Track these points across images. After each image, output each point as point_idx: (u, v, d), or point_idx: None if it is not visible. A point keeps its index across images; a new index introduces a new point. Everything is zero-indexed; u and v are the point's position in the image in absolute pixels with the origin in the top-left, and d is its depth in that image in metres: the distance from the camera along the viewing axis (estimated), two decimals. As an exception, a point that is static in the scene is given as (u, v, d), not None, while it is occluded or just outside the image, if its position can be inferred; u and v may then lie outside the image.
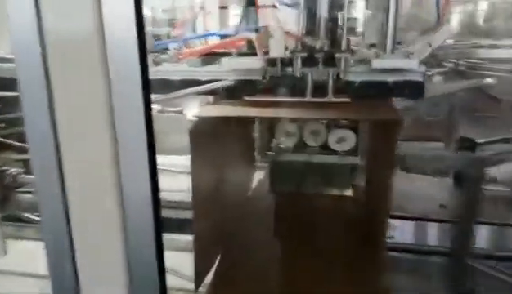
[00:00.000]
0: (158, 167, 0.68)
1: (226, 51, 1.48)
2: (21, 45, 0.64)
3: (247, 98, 1.43)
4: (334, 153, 1.79)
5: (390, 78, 1.35)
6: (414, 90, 1.35)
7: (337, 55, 1.32)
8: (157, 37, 1.73)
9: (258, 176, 2.03)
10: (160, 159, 0.69)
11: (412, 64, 1.29)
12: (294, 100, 1.38)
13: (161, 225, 0.69)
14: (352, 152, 1.79)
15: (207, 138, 1.32)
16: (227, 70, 1.39)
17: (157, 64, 1.48)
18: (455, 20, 2.60)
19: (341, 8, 1.45)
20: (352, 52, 1.38)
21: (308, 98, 1.35)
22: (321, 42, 1.36)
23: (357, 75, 1.36)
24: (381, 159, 1.50)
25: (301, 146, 1.81)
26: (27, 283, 1.79)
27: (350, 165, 1.83)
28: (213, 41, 1.64)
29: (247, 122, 1.84)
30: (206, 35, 1.74)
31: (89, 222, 0.71)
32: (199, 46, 1.65)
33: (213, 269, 1.40)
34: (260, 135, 1.89)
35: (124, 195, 0.68)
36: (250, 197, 1.93)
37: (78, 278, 0.72)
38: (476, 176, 2.03)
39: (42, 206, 0.71)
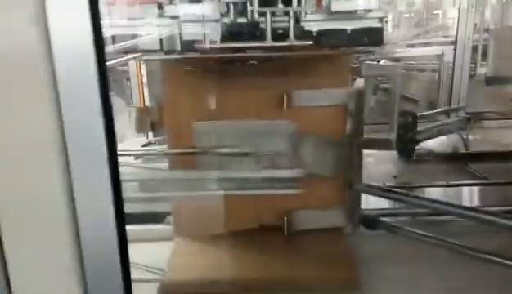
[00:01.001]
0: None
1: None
2: None
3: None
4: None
5: (349, 26, 1.29)
6: (373, 36, 1.31)
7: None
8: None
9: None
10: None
11: (372, 3, 1.24)
12: (254, 45, 1.24)
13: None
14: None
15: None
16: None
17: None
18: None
19: None
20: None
21: (269, 42, 1.22)
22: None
23: (317, 24, 1.28)
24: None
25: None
26: None
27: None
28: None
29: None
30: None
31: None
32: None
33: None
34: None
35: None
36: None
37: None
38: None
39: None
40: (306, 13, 1.26)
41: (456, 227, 1.45)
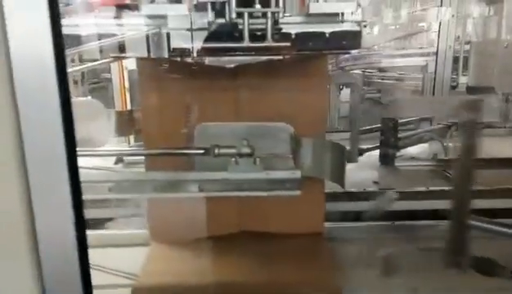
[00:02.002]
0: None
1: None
2: None
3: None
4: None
5: (327, 29, 1.30)
6: (351, 40, 1.31)
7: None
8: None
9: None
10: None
11: (350, 6, 1.25)
12: (231, 46, 1.23)
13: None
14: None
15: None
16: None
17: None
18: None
19: None
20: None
21: (246, 43, 1.21)
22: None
23: (295, 26, 1.28)
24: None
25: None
26: None
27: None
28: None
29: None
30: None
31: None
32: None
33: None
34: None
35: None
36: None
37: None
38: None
39: None
40: (284, 15, 1.26)
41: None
